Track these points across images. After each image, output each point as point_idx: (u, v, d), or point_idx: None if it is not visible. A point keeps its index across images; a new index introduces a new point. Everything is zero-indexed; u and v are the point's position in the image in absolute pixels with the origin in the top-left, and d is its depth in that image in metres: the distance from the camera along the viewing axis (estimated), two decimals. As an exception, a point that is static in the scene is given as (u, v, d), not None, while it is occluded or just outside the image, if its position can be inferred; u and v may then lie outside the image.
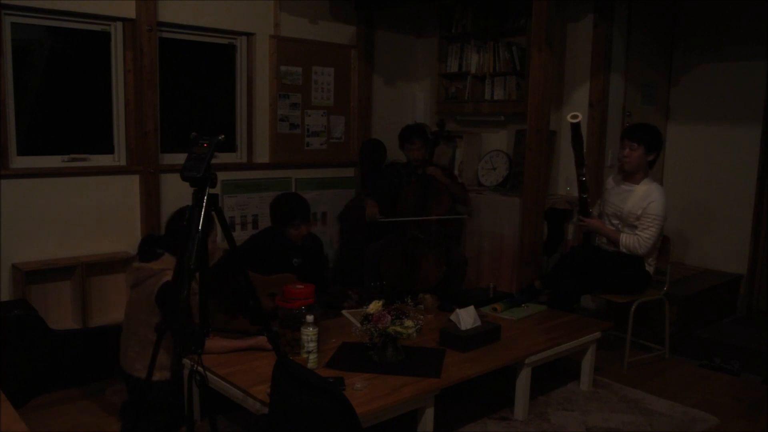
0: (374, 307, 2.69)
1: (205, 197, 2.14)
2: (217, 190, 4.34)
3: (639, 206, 3.54)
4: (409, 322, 2.64)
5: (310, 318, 2.58)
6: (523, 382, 2.98)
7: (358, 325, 2.68)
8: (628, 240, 3.55)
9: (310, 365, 2.56)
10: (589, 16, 4.46)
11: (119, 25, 3.95)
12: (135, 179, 4.07)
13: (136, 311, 2.84)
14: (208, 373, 2.44)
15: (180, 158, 2.93)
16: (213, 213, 2.28)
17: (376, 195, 4.38)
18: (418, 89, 5.63)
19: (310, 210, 3.61)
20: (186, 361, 2.54)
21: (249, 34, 4.55)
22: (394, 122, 5.24)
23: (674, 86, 5.05)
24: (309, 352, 2.57)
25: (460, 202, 4.38)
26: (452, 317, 3.08)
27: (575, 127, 3.48)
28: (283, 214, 3.52)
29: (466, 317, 3.00)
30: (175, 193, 4.14)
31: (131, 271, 2.91)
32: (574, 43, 4.58)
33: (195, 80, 4.57)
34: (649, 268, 3.66)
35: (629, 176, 3.65)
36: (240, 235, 4.43)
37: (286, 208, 3.53)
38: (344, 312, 3.41)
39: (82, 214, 3.86)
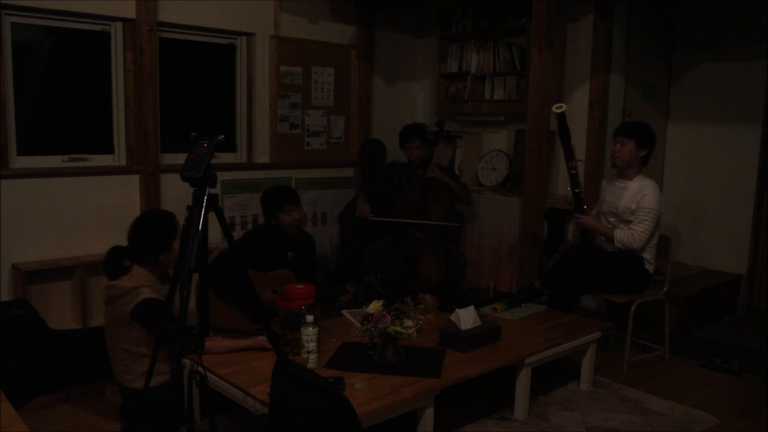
0: (374, 307, 2.69)
1: (205, 197, 2.14)
2: (217, 190, 4.35)
3: (633, 201, 3.55)
4: (409, 322, 2.64)
5: (310, 318, 2.58)
6: (523, 382, 2.98)
7: (358, 325, 2.67)
8: (622, 235, 3.55)
9: (310, 365, 2.56)
10: (589, 16, 4.46)
11: (119, 25, 3.95)
12: (135, 179, 4.07)
13: (115, 327, 2.81)
14: (208, 373, 2.44)
15: (180, 158, 2.93)
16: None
17: (375, 195, 4.38)
18: (418, 89, 5.63)
19: (298, 195, 3.63)
20: (186, 361, 2.54)
21: (249, 34, 4.55)
22: (394, 122, 5.25)
23: (674, 86, 5.05)
24: (309, 352, 2.57)
25: (462, 202, 4.38)
26: (452, 317, 3.07)
27: (561, 118, 3.49)
28: (273, 202, 3.54)
29: (466, 317, 3.00)
30: (175, 193, 4.14)
31: (104, 288, 2.84)
32: (574, 43, 4.58)
33: (195, 80, 4.57)
34: (649, 268, 3.66)
35: (623, 173, 3.67)
36: (239, 236, 4.42)
37: (275, 195, 3.57)
38: (344, 312, 3.41)
39: (82, 214, 3.86)
